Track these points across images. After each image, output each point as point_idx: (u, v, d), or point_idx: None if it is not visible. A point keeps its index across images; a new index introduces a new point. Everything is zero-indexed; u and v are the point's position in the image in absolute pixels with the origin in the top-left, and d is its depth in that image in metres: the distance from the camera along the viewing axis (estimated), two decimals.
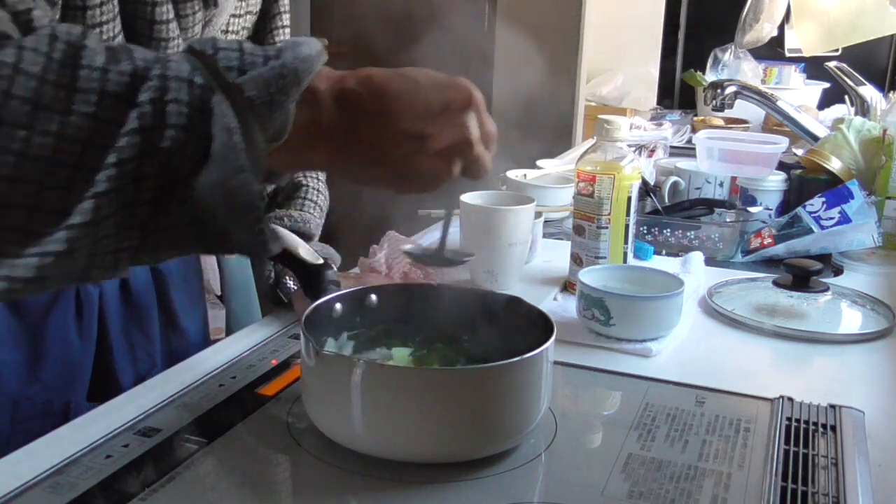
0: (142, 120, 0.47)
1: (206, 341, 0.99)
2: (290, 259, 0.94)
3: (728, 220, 1.37)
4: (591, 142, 1.12)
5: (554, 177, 1.57)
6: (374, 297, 0.79)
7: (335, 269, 0.97)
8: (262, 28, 0.96)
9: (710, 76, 2.52)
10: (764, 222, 1.36)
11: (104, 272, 0.50)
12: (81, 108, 0.46)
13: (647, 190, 1.43)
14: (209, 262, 1.14)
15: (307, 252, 0.93)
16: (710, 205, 1.42)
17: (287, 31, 0.98)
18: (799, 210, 1.31)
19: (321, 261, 0.93)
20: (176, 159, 0.49)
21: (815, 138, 1.68)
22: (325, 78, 0.55)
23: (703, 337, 1.00)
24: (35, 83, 0.46)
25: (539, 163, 1.73)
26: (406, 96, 0.56)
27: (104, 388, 0.85)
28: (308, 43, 0.54)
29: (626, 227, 1.06)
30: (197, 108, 0.49)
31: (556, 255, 1.23)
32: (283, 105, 0.52)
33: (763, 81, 2.52)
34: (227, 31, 0.88)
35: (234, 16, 0.88)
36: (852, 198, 1.27)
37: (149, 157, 0.48)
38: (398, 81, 0.57)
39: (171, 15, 0.75)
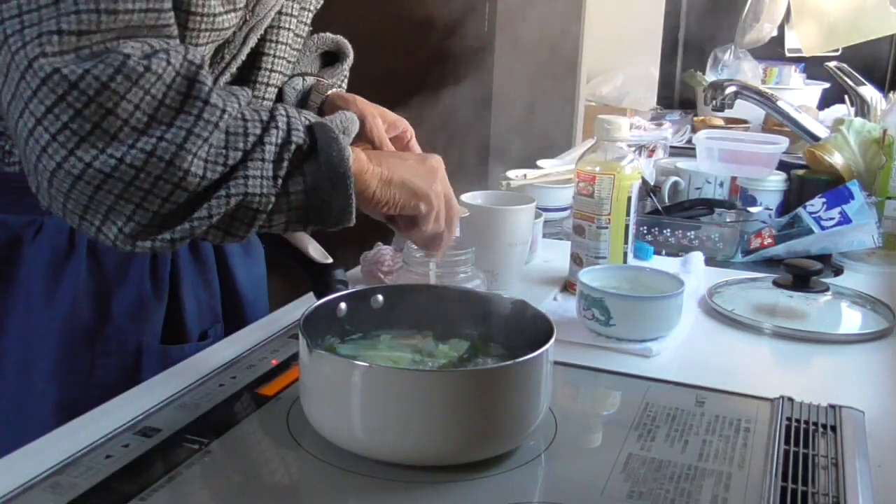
0: (278, 125, 0.72)
1: (263, 313, 1.07)
2: (298, 257, 0.94)
3: (728, 220, 1.37)
4: (591, 142, 1.12)
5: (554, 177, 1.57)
6: (376, 297, 0.79)
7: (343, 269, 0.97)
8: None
9: (710, 76, 2.52)
10: (764, 222, 1.36)
11: (240, 229, 0.72)
12: (254, 131, 0.71)
13: (647, 190, 1.43)
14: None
15: (316, 251, 0.93)
16: (710, 205, 1.42)
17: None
18: (799, 210, 1.31)
19: (330, 260, 0.94)
20: (299, 154, 0.72)
21: (816, 138, 1.68)
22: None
23: (703, 337, 1.00)
24: (230, 120, 0.69)
25: (539, 163, 1.74)
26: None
27: (175, 335, 0.96)
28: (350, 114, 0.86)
29: (626, 227, 1.06)
30: (307, 126, 0.74)
31: (556, 255, 1.24)
32: (350, 137, 0.85)
33: (763, 81, 2.53)
34: (280, 13, 0.91)
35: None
36: (852, 198, 1.27)
37: (286, 147, 0.72)
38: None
39: None
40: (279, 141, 0.71)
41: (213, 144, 0.68)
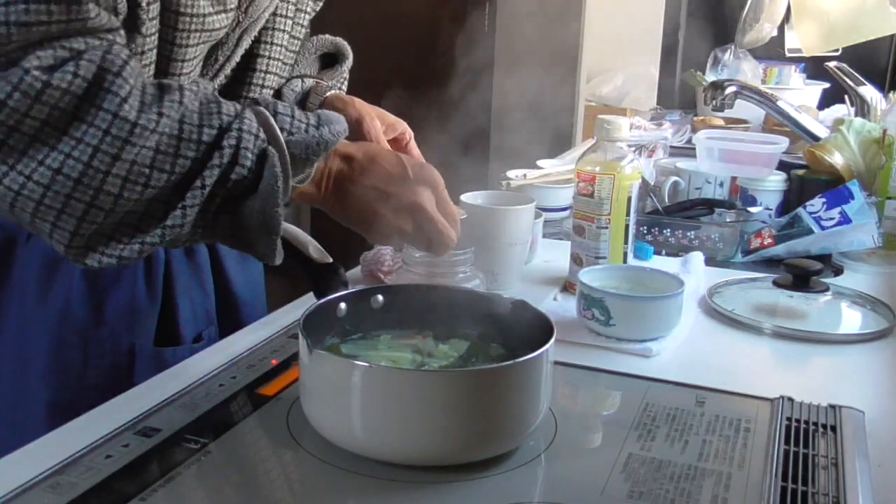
0: (222, 159, 0.68)
1: (260, 314, 1.06)
2: (298, 257, 0.94)
3: (728, 220, 1.37)
4: (591, 142, 1.12)
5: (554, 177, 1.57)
6: (376, 297, 0.79)
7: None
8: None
9: (710, 76, 2.52)
10: (764, 222, 1.36)
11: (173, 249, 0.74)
12: (187, 153, 0.67)
13: (647, 190, 1.43)
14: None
15: (316, 251, 0.93)
16: (710, 205, 1.42)
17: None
18: (799, 210, 1.31)
19: (330, 260, 0.94)
20: (237, 187, 0.69)
21: (816, 138, 1.68)
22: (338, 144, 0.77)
23: (703, 337, 1.00)
24: (158, 136, 0.65)
25: (539, 163, 1.74)
26: (380, 162, 0.81)
27: (168, 338, 0.95)
28: (339, 121, 0.75)
29: (626, 227, 1.06)
30: (258, 155, 0.69)
31: (556, 255, 1.24)
32: (312, 163, 0.75)
33: (763, 81, 2.52)
34: (275, 14, 0.90)
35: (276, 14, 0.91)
36: (852, 198, 1.27)
37: (222, 184, 0.68)
38: (380, 153, 0.82)
39: None
40: (217, 176, 0.68)
41: (137, 161, 0.65)
